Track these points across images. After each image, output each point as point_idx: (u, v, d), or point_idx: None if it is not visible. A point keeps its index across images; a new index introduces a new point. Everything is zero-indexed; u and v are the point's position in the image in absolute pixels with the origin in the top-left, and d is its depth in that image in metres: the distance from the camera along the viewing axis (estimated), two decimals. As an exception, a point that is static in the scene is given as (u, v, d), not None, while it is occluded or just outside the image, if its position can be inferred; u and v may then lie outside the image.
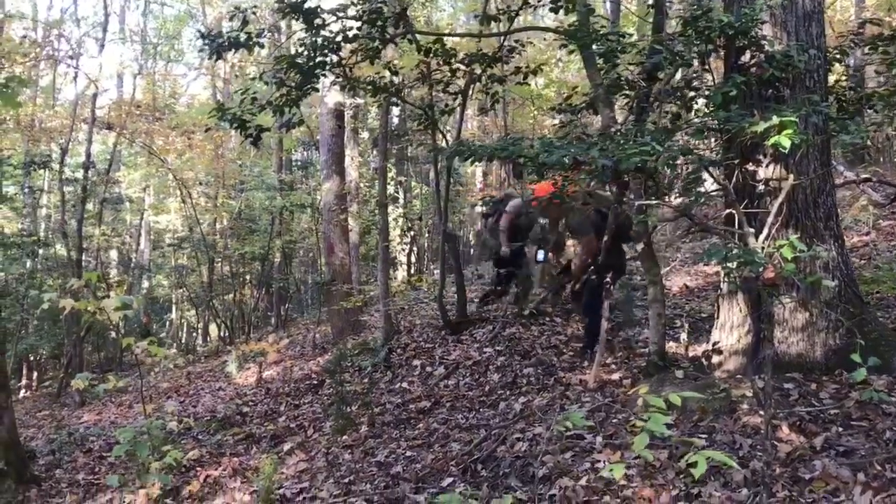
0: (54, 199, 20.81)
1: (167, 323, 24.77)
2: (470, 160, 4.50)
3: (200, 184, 18.29)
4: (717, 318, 5.04)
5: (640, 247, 5.06)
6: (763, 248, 3.74)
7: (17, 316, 16.34)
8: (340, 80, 6.40)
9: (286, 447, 6.58)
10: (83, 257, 20.35)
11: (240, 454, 6.79)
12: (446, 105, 7.57)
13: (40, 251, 17.39)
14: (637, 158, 3.86)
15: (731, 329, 4.88)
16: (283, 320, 18.80)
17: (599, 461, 4.26)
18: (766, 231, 4.03)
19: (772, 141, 3.64)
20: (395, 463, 5.26)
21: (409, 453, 5.38)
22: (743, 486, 3.67)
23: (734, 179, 4.42)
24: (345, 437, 6.31)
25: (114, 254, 27.18)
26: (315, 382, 8.45)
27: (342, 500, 4.92)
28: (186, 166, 19.28)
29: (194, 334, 24.83)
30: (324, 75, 6.05)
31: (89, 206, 16.98)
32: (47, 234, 19.93)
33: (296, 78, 5.62)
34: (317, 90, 6.05)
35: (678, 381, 4.85)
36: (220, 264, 19.16)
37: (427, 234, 19.82)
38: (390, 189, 15.34)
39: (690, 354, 5.53)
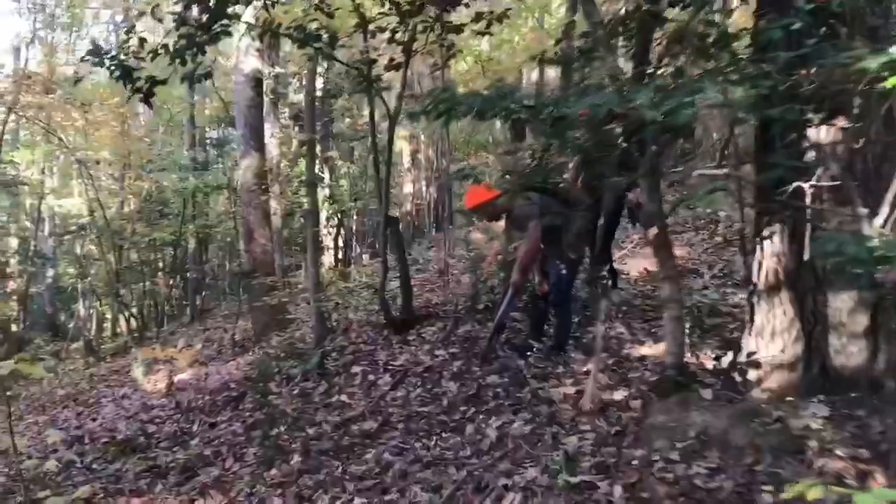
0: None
1: (74, 314, 22.58)
2: (446, 118, 3.22)
3: (98, 163, 16.25)
4: (752, 321, 3.90)
5: (651, 232, 3.87)
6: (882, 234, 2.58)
7: None
8: (259, 26, 4.96)
9: (199, 482, 5.19)
10: (-29, 246, 18.18)
11: (141, 492, 5.35)
12: (391, 60, 6.17)
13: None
14: (690, 111, 2.65)
15: (772, 336, 3.76)
16: (199, 311, 17.12)
17: (627, 526, 3.09)
18: (885, 211, 2.88)
19: (892, 82, 2.47)
20: (342, 517, 3.95)
21: (356, 501, 4.08)
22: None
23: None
24: (273, 470, 4.96)
25: (13, 241, 24.72)
26: (235, 395, 7.02)
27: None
28: (89, 145, 17.26)
29: (105, 325, 22.77)
30: (238, 19, 4.62)
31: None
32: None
33: (201, 16, 4.20)
34: (229, 34, 4.61)
35: (707, 405, 3.70)
36: (127, 251, 17.27)
37: (355, 217, 18.37)
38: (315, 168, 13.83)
39: (709, 366, 4.39)
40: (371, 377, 6.20)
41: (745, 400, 3.65)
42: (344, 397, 5.98)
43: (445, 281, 7.87)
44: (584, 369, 5.21)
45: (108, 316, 20.84)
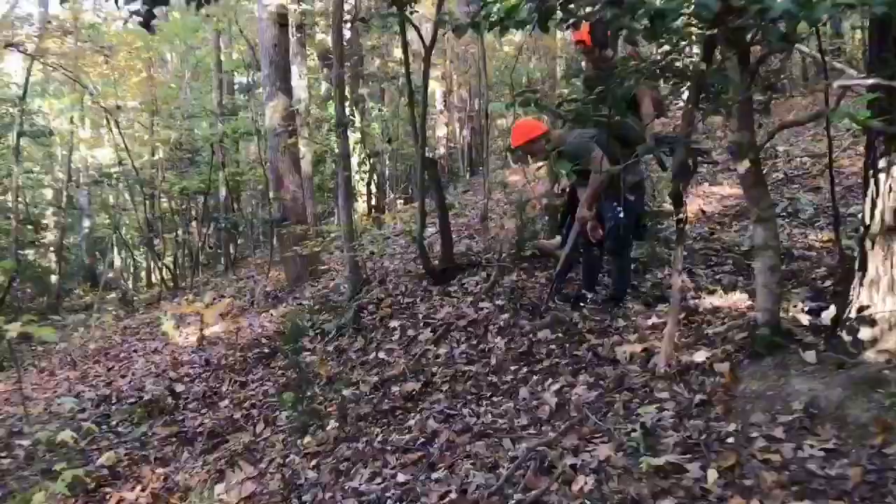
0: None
1: (110, 264, 22.44)
2: (501, 27, 2.58)
3: (119, 108, 15.67)
4: (863, 270, 3.25)
5: (742, 167, 3.22)
6: None
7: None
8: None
9: (228, 449, 4.76)
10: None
11: (167, 459, 4.95)
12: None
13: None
14: (828, 2, 1.99)
15: (890, 288, 3.12)
16: (233, 260, 16.76)
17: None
18: None
19: None
20: (383, 497, 3.45)
21: (400, 477, 3.58)
22: None
23: None
24: (307, 438, 4.50)
25: (48, 193, 24.55)
26: (267, 351, 6.57)
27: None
28: (115, 92, 16.77)
29: (141, 275, 22.63)
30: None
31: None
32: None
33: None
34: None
35: (811, 370, 3.10)
36: (158, 201, 16.87)
37: (388, 162, 17.73)
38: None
39: (804, 321, 3.77)
40: (410, 332, 5.68)
41: (859, 364, 3.03)
42: (382, 354, 5.48)
43: (486, 227, 7.26)
44: (649, 323, 4.62)
45: (143, 266, 20.66)
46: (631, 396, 3.62)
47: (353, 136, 14.80)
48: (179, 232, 16.61)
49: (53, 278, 20.16)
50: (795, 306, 4.07)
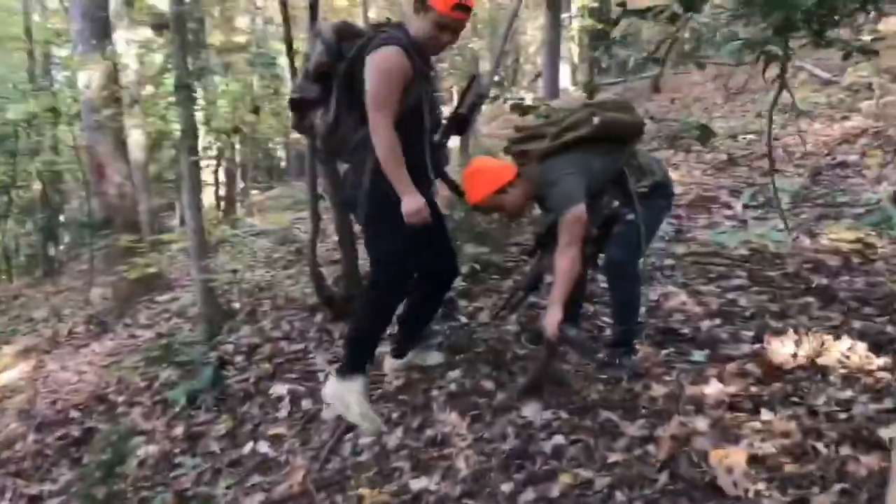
0: None
1: None
2: None
3: None
4: None
5: None
6: None
7: None
8: None
9: None
10: None
11: None
12: None
13: None
14: None
15: None
16: (54, 265, 13.68)
17: None
18: None
19: None
20: None
21: None
22: None
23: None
24: None
25: None
26: (77, 434, 4.20)
27: None
28: None
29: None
30: None
31: None
32: None
33: None
34: None
35: None
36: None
37: (238, 146, 15.06)
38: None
39: None
40: (307, 403, 3.58)
41: None
42: (264, 447, 3.35)
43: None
44: (709, 393, 2.80)
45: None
46: None
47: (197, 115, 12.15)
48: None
49: None
50: None
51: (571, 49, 17.94)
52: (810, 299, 3.62)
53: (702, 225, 5.46)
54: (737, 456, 2.22)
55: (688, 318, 3.78)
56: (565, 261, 2.91)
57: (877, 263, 3.81)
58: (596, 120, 3.03)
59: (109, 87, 6.99)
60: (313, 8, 3.85)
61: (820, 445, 2.19)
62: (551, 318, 2.90)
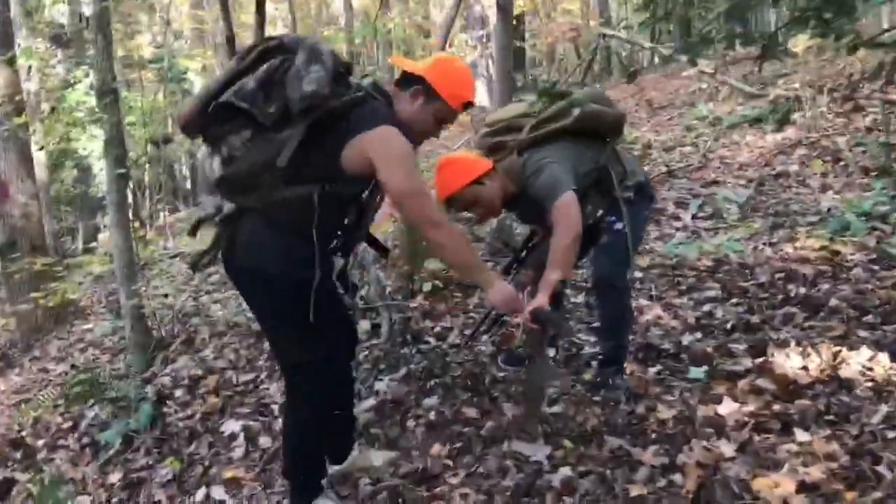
0: None
1: None
2: None
3: None
4: None
5: None
6: None
7: None
8: None
9: None
10: None
11: None
12: None
13: None
14: None
15: None
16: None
17: None
18: None
19: None
20: None
21: None
22: None
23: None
24: None
25: None
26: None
27: None
28: None
29: None
30: None
31: None
32: None
33: None
34: None
35: None
36: None
37: (147, 165, 14.19)
38: (91, 100, 9.68)
39: None
40: (265, 441, 3.16)
41: None
42: (218, 493, 2.91)
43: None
44: (728, 413, 2.56)
45: None
46: None
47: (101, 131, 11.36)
48: None
49: None
50: None
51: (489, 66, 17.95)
52: (793, 309, 3.47)
53: (654, 237, 5.32)
54: (787, 484, 1.97)
55: (666, 332, 3.58)
56: (564, 244, 2.58)
57: (854, 271, 3.70)
58: (576, 111, 2.79)
59: (13, 97, 6.32)
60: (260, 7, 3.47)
61: (882, 469, 1.97)
62: (540, 301, 2.55)
